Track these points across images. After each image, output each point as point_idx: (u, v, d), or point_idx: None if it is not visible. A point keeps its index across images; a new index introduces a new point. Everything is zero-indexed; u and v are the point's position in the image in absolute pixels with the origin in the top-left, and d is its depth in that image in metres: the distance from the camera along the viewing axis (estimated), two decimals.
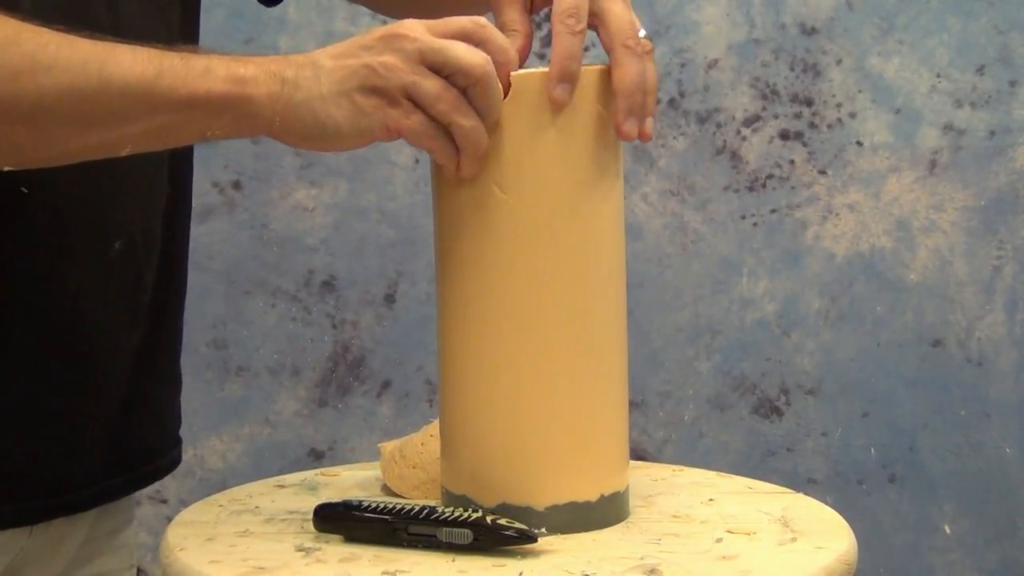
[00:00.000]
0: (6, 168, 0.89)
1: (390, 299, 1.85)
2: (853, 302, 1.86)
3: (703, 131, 1.85)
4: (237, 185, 1.83)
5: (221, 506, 1.02)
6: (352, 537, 0.92)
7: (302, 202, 1.84)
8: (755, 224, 1.85)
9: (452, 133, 0.90)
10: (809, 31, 1.84)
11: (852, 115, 1.84)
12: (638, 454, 1.83)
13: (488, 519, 0.89)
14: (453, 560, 0.88)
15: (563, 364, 0.93)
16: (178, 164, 1.09)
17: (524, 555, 0.89)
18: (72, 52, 0.86)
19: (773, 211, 1.85)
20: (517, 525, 0.89)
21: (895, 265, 1.85)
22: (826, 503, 1.02)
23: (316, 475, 1.11)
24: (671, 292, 1.86)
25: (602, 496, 0.95)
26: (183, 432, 1.18)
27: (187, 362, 1.18)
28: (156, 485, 1.13)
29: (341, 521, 0.93)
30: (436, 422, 1.02)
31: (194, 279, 1.17)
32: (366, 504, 0.92)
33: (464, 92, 0.89)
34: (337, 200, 1.84)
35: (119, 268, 1.02)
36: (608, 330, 0.96)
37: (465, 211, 0.93)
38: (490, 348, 0.94)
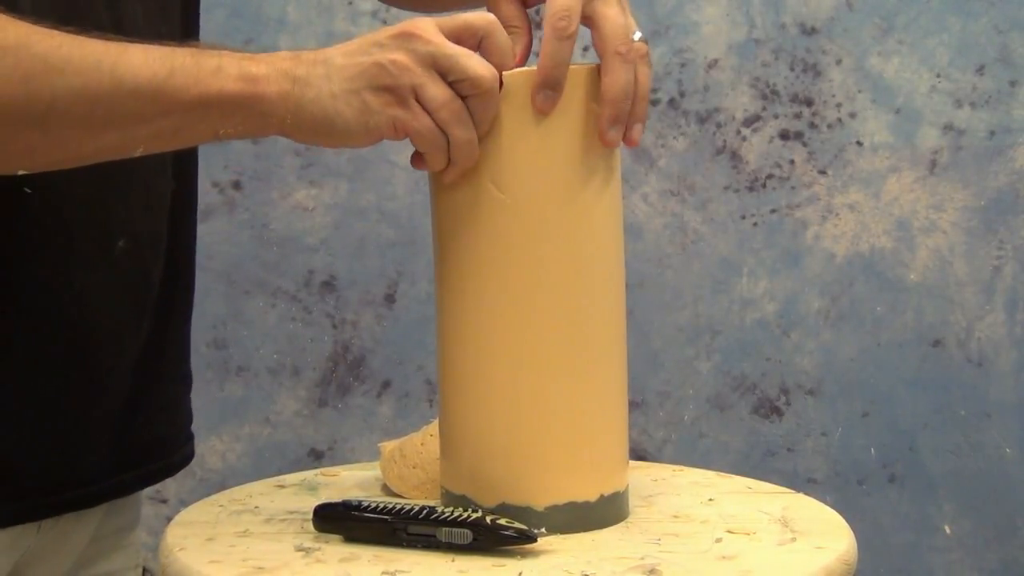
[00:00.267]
0: (19, 172, 0.89)
1: (390, 299, 1.85)
2: (853, 302, 1.85)
3: (703, 131, 1.85)
4: (237, 185, 1.83)
5: (221, 506, 1.02)
6: (352, 537, 0.92)
7: (302, 202, 1.84)
8: (755, 224, 1.85)
9: (449, 142, 0.90)
10: (809, 31, 1.84)
11: (852, 115, 1.84)
12: (638, 454, 1.83)
13: (488, 519, 0.90)
14: (453, 560, 0.88)
15: (562, 364, 0.93)
16: (182, 161, 1.09)
17: (524, 555, 0.89)
18: (84, 54, 0.86)
19: (773, 211, 1.85)
20: (517, 525, 0.89)
21: (895, 265, 1.85)
22: (826, 503, 1.02)
23: (316, 475, 1.11)
24: (671, 292, 1.85)
25: (602, 496, 0.95)
26: None
27: None
28: (156, 485, 1.13)
29: (341, 521, 0.93)
30: (436, 422, 1.02)
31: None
32: (366, 504, 0.92)
33: (465, 100, 0.90)
34: (337, 200, 1.84)
35: (124, 267, 1.02)
36: (607, 329, 0.96)
37: (462, 210, 0.94)
38: (489, 348, 0.94)
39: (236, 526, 0.97)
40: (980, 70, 1.83)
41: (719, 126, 1.85)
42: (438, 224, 0.96)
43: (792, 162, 1.85)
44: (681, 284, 1.86)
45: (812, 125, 1.85)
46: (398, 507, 0.91)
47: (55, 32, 0.86)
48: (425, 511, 0.91)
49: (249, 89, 0.88)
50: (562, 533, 0.93)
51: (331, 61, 0.90)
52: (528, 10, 0.99)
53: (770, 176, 1.85)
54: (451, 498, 0.97)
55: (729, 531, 0.95)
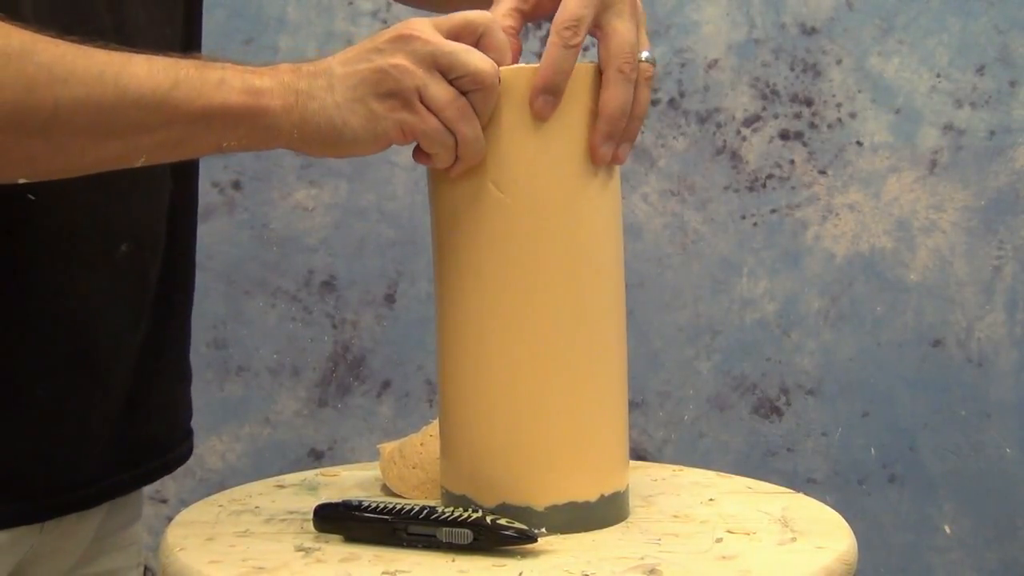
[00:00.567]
0: (20, 181, 0.89)
1: (390, 299, 1.85)
2: (853, 302, 1.85)
3: (703, 131, 1.85)
4: (237, 185, 1.83)
5: (221, 506, 1.02)
6: (352, 537, 0.92)
7: (302, 202, 1.84)
8: (755, 224, 1.85)
9: (456, 140, 0.90)
10: (809, 31, 1.84)
11: (852, 115, 1.84)
12: (638, 454, 1.83)
13: (488, 519, 0.89)
14: (453, 560, 0.88)
15: (562, 364, 0.93)
16: (182, 162, 1.09)
17: (524, 555, 0.89)
18: (88, 63, 0.86)
19: (773, 211, 1.85)
20: (517, 525, 0.89)
21: (895, 265, 1.85)
22: (826, 503, 1.02)
23: (316, 475, 1.11)
24: (671, 292, 1.85)
25: (602, 496, 0.95)
26: None
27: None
28: (156, 484, 1.13)
29: (341, 521, 0.93)
30: (436, 422, 1.02)
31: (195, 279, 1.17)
32: (366, 504, 0.92)
33: (467, 96, 0.90)
34: (337, 200, 1.84)
35: (125, 269, 1.02)
36: (607, 329, 0.96)
37: (462, 210, 0.94)
38: (489, 348, 0.94)
39: (236, 526, 0.97)
40: (980, 70, 1.83)
41: (719, 126, 1.85)
42: (438, 224, 0.96)
43: (792, 162, 1.85)
44: (681, 284, 1.86)
45: (812, 125, 1.85)
46: (398, 507, 0.91)
47: (59, 41, 0.86)
48: (425, 511, 0.90)
49: (252, 102, 0.89)
50: (562, 533, 0.93)
51: (332, 71, 0.90)
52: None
53: (770, 176, 1.85)
54: (451, 498, 0.97)
55: (729, 531, 0.95)
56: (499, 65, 0.91)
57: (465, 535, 0.89)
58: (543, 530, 0.91)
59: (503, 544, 0.89)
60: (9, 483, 0.98)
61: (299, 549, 0.91)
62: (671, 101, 1.85)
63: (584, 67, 0.93)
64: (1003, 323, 1.85)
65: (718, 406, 1.86)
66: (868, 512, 1.85)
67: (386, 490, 1.06)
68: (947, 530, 1.86)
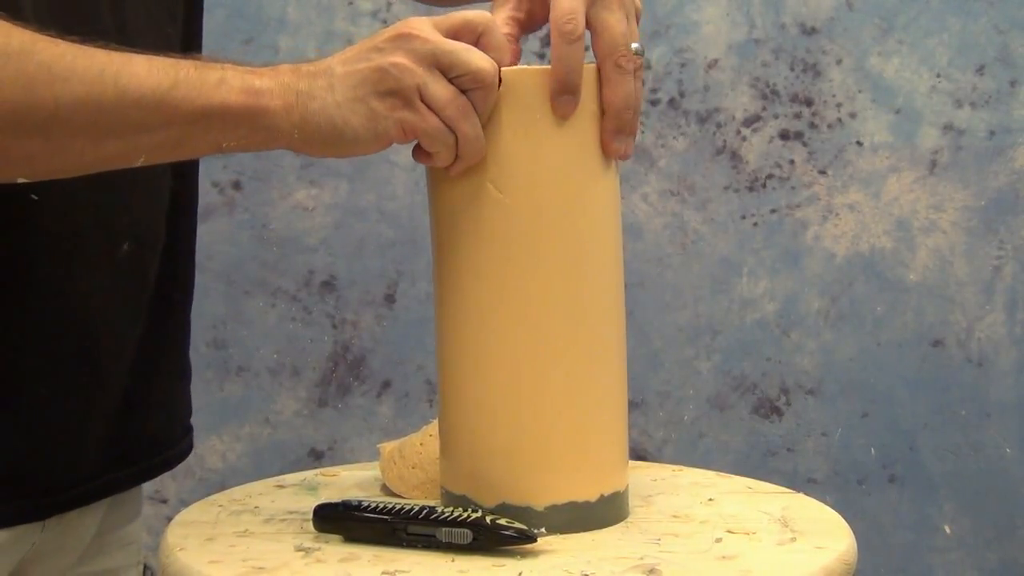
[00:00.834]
0: (20, 180, 0.89)
1: (390, 299, 1.85)
2: (853, 302, 1.85)
3: (703, 131, 1.85)
4: (237, 185, 1.83)
5: (221, 506, 1.02)
6: (352, 537, 0.92)
7: (302, 202, 1.84)
8: (755, 224, 1.85)
9: (456, 138, 0.91)
10: (809, 31, 1.84)
11: (852, 115, 1.84)
12: (638, 454, 1.83)
13: (487, 519, 0.89)
14: (453, 560, 0.88)
15: (562, 364, 0.93)
16: (182, 161, 1.09)
17: (524, 555, 0.89)
18: (88, 62, 0.86)
19: (773, 211, 1.85)
20: (516, 525, 0.89)
21: (895, 265, 1.85)
22: (826, 503, 1.02)
23: (316, 475, 1.11)
24: (671, 292, 1.85)
25: (601, 496, 0.95)
26: None
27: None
28: (156, 484, 1.14)
29: (341, 521, 0.93)
30: (435, 422, 1.02)
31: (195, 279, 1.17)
32: (365, 504, 0.92)
33: (466, 94, 0.90)
34: (337, 200, 1.84)
35: (126, 268, 1.03)
36: (607, 329, 0.96)
37: (461, 210, 0.94)
38: (489, 348, 0.94)
39: (236, 526, 0.97)
40: (980, 70, 1.83)
41: (719, 126, 1.85)
42: (437, 224, 0.96)
43: (792, 162, 1.85)
44: (681, 284, 1.86)
45: (812, 125, 1.85)
46: (398, 507, 0.91)
47: (59, 40, 0.86)
48: (425, 511, 0.91)
49: (252, 102, 0.89)
50: (562, 533, 0.93)
51: (332, 71, 0.90)
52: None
53: (770, 176, 1.85)
54: (451, 498, 0.97)
55: (729, 531, 0.95)
56: (499, 64, 0.91)
57: (465, 535, 0.89)
58: (543, 530, 0.91)
59: (503, 544, 0.89)
60: (10, 481, 0.98)
61: (299, 549, 0.91)
62: (671, 101, 1.85)
63: (584, 68, 0.93)
64: (1003, 323, 1.85)
65: (718, 406, 1.86)
66: (868, 512, 1.85)
67: (386, 490, 1.06)
68: (947, 530, 1.86)
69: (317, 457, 1.85)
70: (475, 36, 0.91)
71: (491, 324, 0.93)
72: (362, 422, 1.86)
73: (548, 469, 0.94)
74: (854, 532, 0.95)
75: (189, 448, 1.16)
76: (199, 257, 1.16)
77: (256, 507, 1.02)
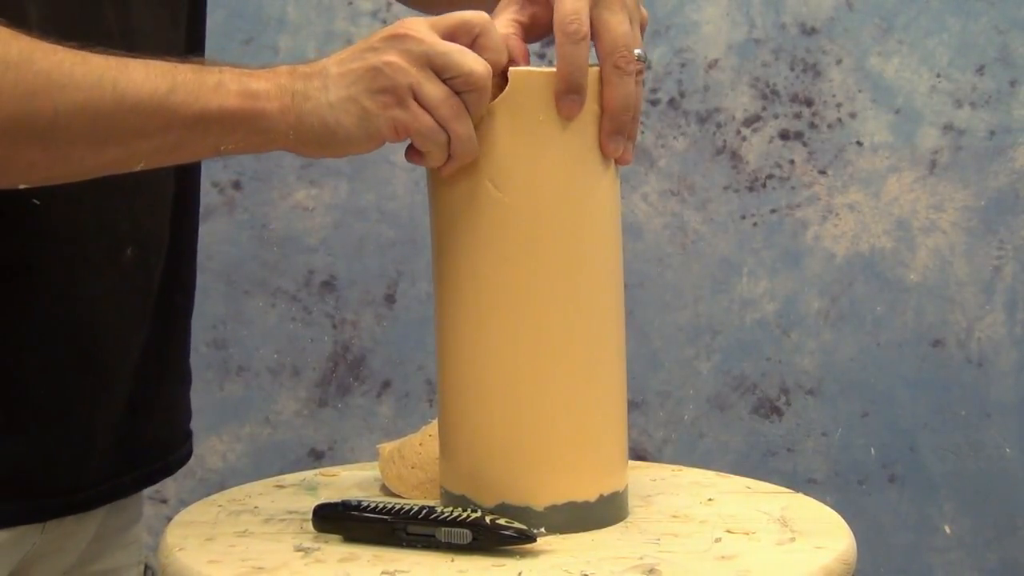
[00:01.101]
0: (21, 186, 0.89)
1: (390, 299, 1.85)
2: (853, 302, 1.85)
3: (703, 131, 1.85)
4: (237, 185, 1.83)
5: (220, 506, 1.02)
6: (351, 537, 0.92)
7: (302, 202, 1.84)
8: (755, 224, 1.85)
9: (448, 138, 0.91)
10: (809, 31, 1.84)
11: (852, 115, 1.84)
12: (638, 454, 1.83)
13: (487, 519, 0.90)
14: (452, 560, 0.88)
15: (562, 363, 0.93)
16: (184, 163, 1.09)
17: (523, 555, 0.89)
18: (87, 70, 0.86)
19: (773, 211, 1.85)
20: (516, 525, 0.89)
21: (895, 265, 1.85)
22: (826, 503, 1.02)
23: (315, 475, 1.11)
24: (671, 292, 1.85)
25: (601, 496, 0.95)
26: None
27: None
28: (156, 485, 1.14)
29: (340, 521, 0.93)
30: (435, 422, 1.02)
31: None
32: (365, 504, 0.92)
33: (460, 96, 0.90)
34: (337, 200, 1.84)
35: (131, 273, 1.03)
36: (607, 329, 0.96)
37: (461, 210, 0.94)
38: (488, 348, 0.94)
39: (235, 526, 0.97)
40: (980, 70, 1.83)
41: (719, 126, 1.85)
42: (437, 224, 0.96)
43: (792, 162, 1.85)
44: (681, 284, 1.86)
45: (812, 125, 1.85)
46: (397, 507, 0.91)
47: (58, 48, 0.86)
48: (424, 511, 0.91)
49: (249, 105, 0.89)
50: (561, 533, 0.93)
51: (327, 71, 0.90)
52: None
53: (770, 176, 1.85)
54: (450, 498, 0.97)
55: (728, 531, 0.95)
56: (496, 65, 0.91)
57: (464, 535, 0.89)
58: (542, 530, 0.91)
59: (502, 544, 0.89)
60: (13, 482, 0.99)
61: (298, 549, 0.91)
62: (671, 101, 1.84)
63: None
64: (1003, 323, 1.85)
65: (718, 406, 1.86)
66: (868, 512, 1.85)
67: (385, 490, 1.06)
68: (947, 530, 1.86)
69: (317, 457, 1.85)
70: (472, 36, 0.91)
71: (491, 324, 0.93)
72: (362, 422, 1.86)
73: (547, 469, 0.94)
74: (854, 532, 0.95)
75: (189, 453, 1.16)
76: (199, 257, 1.16)
77: (256, 507, 1.02)
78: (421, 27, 0.89)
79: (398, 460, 1.05)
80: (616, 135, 0.93)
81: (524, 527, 0.89)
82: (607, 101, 0.92)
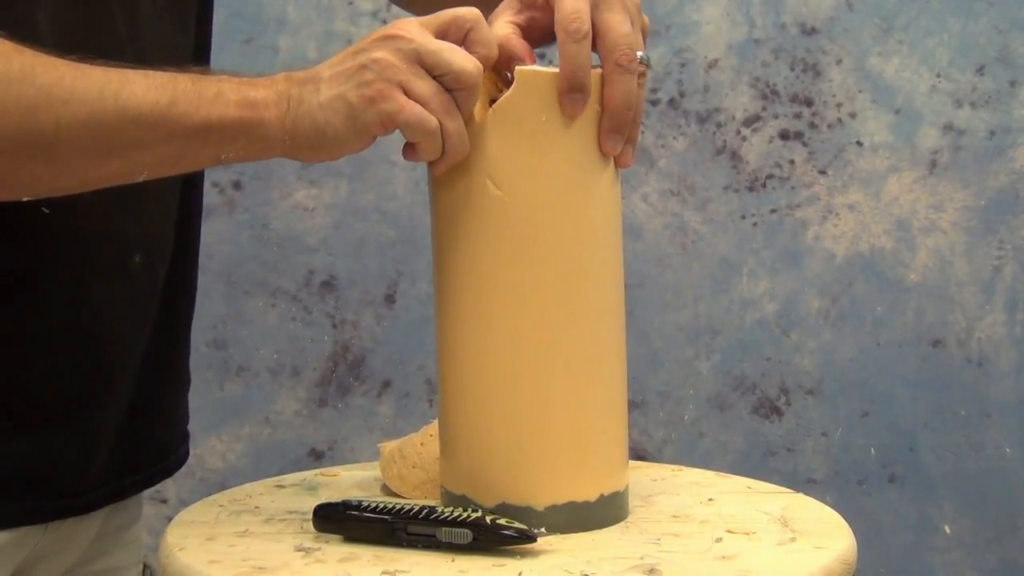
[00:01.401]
0: (24, 199, 0.90)
1: (390, 299, 1.85)
2: (853, 302, 1.85)
3: (703, 131, 1.85)
4: (237, 185, 1.83)
5: (221, 506, 1.02)
6: (351, 537, 0.92)
7: (302, 202, 1.84)
8: (755, 224, 1.85)
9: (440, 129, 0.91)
10: (809, 31, 1.84)
11: (852, 115, 1.84)
12: (638, 454, 1.83)
13: (487, 519, 0.90)
14: (453, 560, 0.88)
15: (562, 363, 0.93)
16: None
17: (523, 555, 0.89)
18: (88, 84, 0.86)
19: (773, 211, 1.85)
20: (516, 525, 0.89)
21: (895, 265, 1.85)
22: (826, 503, 1.02)
23: (315, 475, 1.11)
24: (671, 292, 1.85)
25: (601, 496, 0.95)
26: None
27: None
28: (156, 485, 1.14)
29: (340, 521, 0.93)
30: (435, 422, 1.02)
31: None
32: (365, 504, 0.92)
33: (450, 93, 0.90)
34: (337, 200, 1.84)
35: (138, 279, 1.04)
36: (607, 329, 0.96)
37: (461, 209, 0.94)
38: (488, 347, 0.94)
39: (236, 526, 0.97)
40: (980, 70, 1.83)
41: (719, 126, 1.85)
42: (437, 223, 0.96)
43: (792, 162, 1.85)
44: (681, 284, 1.86)
45: (812, 125, 1.85)
46: (398, 507, 0.91)
47: (59, 62, 0.86)
48: (425, 511, 0.91)
49: (248, 114, 0.89)
50: (562, 533, 0.93)
51: (319, 76, 0.91)
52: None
53: (770, 176, 1.85)
54: (451, 498, 0.97)
55: (729, 531, 0.95)
56: (486, 60, 0.91)
57: (465, 535, 0.89)
58: (542, 530, 0.91)
59: (503, 544, 0.89)
60: (16, 484, 0.99)
61: (299, 549, 0.91)
62: (671, 101, 1.85)
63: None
64: (1003, 323, 1.85)
65: (718, 406, 1.86)
66: (868, 512, 1.85)
67: (386, 490, 1.06)
68: (947, 530, 1.86)
69: (317, 457, 1.85)
70: (463, 32, 0.91)
71: (491, 324, 0.93)
72: (362, 422, 1.86)
73: (548, 469, 0.94)
74: (854, 532, 0.95)
75: (187, 454, 1.17)
76: (200, 257, 1.16)
77: (256, 507, 1.02)
78: (412, 27, 0.90)
79: (399, 459, 1.05)
80: (615, 133, 0.93)
81: (524, 527, 0.89)
82: (608, 99, 0.92)
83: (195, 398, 1.18)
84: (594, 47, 0.92)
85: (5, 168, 0.86)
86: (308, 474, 1.12)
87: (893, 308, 1.85)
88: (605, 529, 0.95)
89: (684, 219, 1.85)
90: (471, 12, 0.91)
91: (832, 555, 0.90)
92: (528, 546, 0.89)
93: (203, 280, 1.19)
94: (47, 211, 0.95)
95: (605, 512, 0.96)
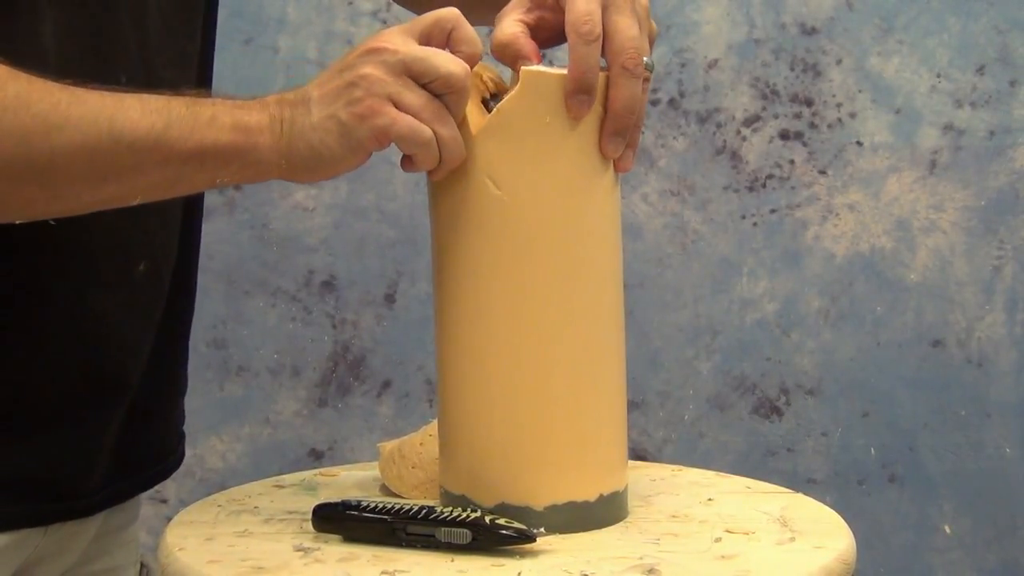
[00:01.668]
0: (18, 222, 0.90)
1: (390, 299, 1.85)
2: (853, 302, 1.85)
3: (703, 131, 1.85)
4: (237, 185, 1.83)
5: (220, 506, 1.02)
6: (351, 537, 0.92)
7: (302, 202, 1.84)
8: (755, 224, 1.85)
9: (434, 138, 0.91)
10: (809, 31, 1.84)
11: (852, 115, 1.84)
12: (638, 454, 1.83)
13: (487, 519, 0.89)
14: (452, 560, 0.88)
15: (562, 363, 0.93)
16: None
17: (523, 555, 0.89)
18: (83, 110, 0.87)
19: (773, 211, 1.85)
20: (516, 525, 0.89)
21: (895, 265, 1.85)
22: (826, 503, 1.02)
23: (315, 475, 1.11)
24: (671, 292, 1.85)
25: (601, 496, 0.95)
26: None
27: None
28: (155, 486, 1.15)
29: (340, 521, 0.93)
30: (435, 422, 1.02)
31: None
32: (365, 504, 0.92)
33: (440, 98, 0.90)
34: (337, 200, 1.84)
35: (143, 287, 1.04)
36: (607, 329, 0.96)
37: (461, 209, 0.94)
38: (488, 347, 0.94)
39: (235, 526, 0.97)
40: (980, 70, 1.83)
41: (719, 126, 1.85)
42: (437, 223, 0.96)
43: (792, 162, 1.85)
44: (681, 284, 1.86)
45: (812, 125, 1.85)
46: (397, 507, 0.91)
47: (54, 87, 0.87)
48: (424, 511, 0.91)
49: (242, 139, 0.90)
50: (561, 533, 0.93)
51: (309, 96, 0.91)
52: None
53: (770, 176, 1.85)
54: (450, 498, 0.97)
55: (728, 531, 0.95)
56: (471, 58, 0.91)
57: (464, 535, 0.89)
58: (542, 530, 0.91)
59: (502, 544, 0.89)
60: (18, 487, 0.99)
61: (298, 549, 0.91)
62: (671, 101, 1.85)
63: None
64: (1003, 323, 1.85)
65: (718, 406, 1.86)
66: (868, 512, 1.85)
67: (385, 490, 1.06)
68: (947, 530, 1.86)
69: (317, 457, 1.85)
70: (446, 33, 0.91)
71: (490, 324, 0.93)
72: (362, 422, 1.86)
73: (547, 469, 0.94)
74: (854, 532, 0.95)
75: (183, 455, 1.17)
76: (200, 257, 1.16)
77: (255, 507, 1.02)
78: (395, 37, 0.90)
79: (398, 459, 1.05)
80: (617, 136, 0.93)
81: (524, 527, 0.89)
82: (612, 101, 0.92)
83: (195, 398, 1.18)
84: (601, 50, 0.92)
85: (0, 191, 0.86)
86: (308, 474, 1.12)
87: (893, 308, 1.85)
88: (604, 529, 0.95)
89: (684, 219, 1.85)
90: (451, 12, 0.91)
91: (831, 555, 0.90)
92: (527, 546, 0.89)
93: (203, 280, 1.19)
94: (53, 223, 0.95)
95: (604, 512, 0.96)
